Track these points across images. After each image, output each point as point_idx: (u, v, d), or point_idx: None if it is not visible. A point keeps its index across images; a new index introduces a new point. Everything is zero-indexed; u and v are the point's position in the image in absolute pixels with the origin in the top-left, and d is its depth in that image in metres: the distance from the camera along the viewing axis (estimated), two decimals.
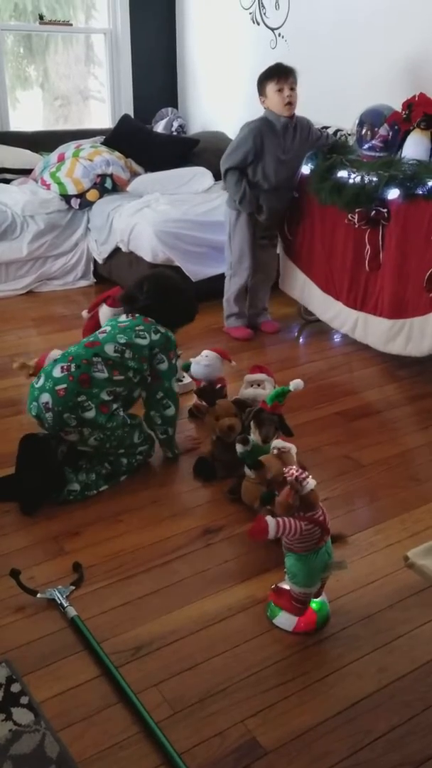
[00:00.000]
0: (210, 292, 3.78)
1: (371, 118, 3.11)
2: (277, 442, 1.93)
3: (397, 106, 3.19)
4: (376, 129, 3.08)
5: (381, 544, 1.99)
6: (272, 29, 4.19)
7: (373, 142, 3.07)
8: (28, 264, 4.11)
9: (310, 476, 1.61)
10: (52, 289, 4.13)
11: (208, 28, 4.74)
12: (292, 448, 1.92)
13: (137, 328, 2.22)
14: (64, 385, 2.09)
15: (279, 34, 4.15)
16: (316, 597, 1.70)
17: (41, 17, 4.68)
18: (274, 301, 3.73)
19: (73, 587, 1.79)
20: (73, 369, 2.11)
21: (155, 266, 3.68)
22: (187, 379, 2.81)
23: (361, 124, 3.13)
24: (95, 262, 4.22)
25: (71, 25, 4.81)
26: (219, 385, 2.55)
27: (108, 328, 2.25)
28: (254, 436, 2.07)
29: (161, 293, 2.30)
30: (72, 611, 1.70)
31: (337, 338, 3.45)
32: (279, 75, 3.16)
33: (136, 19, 4.85)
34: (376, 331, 3.05)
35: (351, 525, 2.06)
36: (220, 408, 2.26)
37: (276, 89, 3.16)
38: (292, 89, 3.17)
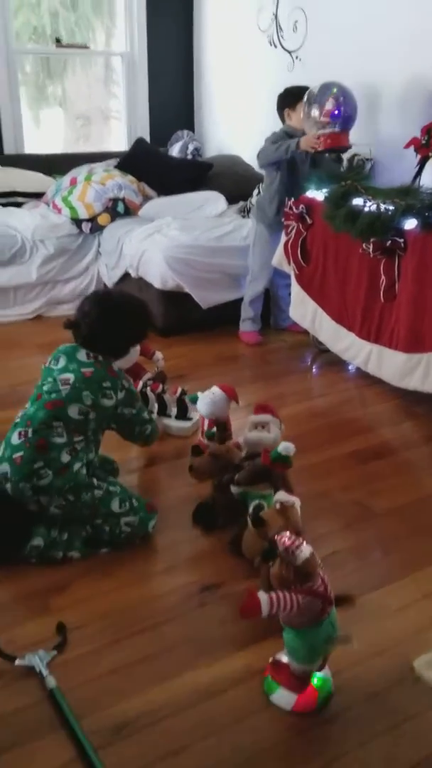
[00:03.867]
0: (221, 318, 3.68)
1: (320, 97, 3.19)
2: (280, 495, 1.78)
3: (416, 132, 3.07)
4: (324, 106, 3.16)
5: (392, 607, 1.83)
6: (289, 52, 4.10)
7: (322, 118, 3.16)
8: (36, 288, 4.04)
9: (304, 543, 1.46)
10: (62, 313, 4.03)
11: (225, 50, 4.67)
12: (296, 501, 1.78)
13: (104, 384, 2.00)
14: (21, 453, 1.94)
15: (296, 57, 4.05)
16: (318, 671, 1.55)
17: (58, 40, 4.65)
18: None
19: (56, 652, 1.66)
20: (30, 434, 1.94)
21: (164, 293, 3.58)
22: (196, 416, 2.67)
23: (309, 103, 3.20)
24: (105, 286, 4.13)
25: (88, 48, 4.77)
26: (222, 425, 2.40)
27: (70, 377, 1.98)
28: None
29: (103, 317, 2.04)
30: (52, 681, 1.56)
31: (351, 368, 3.30)
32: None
33: (153, 42, 4.80)
34: (391, 364, 2.90)
35: (360, 584, 1.90)
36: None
37: None
38: None
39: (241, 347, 3.60)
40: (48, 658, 1.63)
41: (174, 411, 2.70)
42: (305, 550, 1.44)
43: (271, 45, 4.23)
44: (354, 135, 3.76)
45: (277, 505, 1.76)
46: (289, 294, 3.66)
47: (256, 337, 3.63)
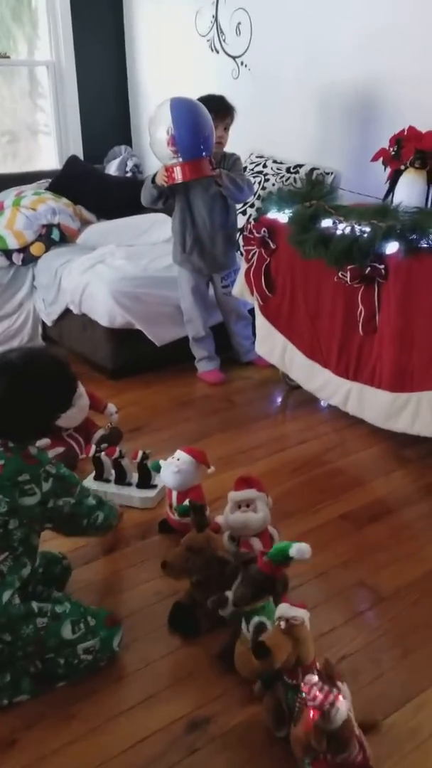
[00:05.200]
0: (178, 356, 3.31)
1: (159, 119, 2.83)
2: (284, 609, 1.42)
3: (381, 141, 2.78)
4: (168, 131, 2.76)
5: (426, 729, 1.49)
6: (233, 57, 3.77)
7: (169, 147, 2.75)
8: None
9: (341, 695, 1.11)
10: None
11: (161, 57, 4.31)
12: (305, 616, 1.42)
13: (20, 479, 1.55)
14: None
15: (241, 63, 3.73)
16: None
17: None
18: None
19: None
20: None
21: (112, 330, 3.18)
22: (161, 484, 2.28)
23: (152, 126, 2.87)
24: (44, 323, 3.70)
25: (8, 57, 4.33)
26: (194, 499, 2.01)
27: None
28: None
29: (6, 393, 1.56)
30: None
31: (323, 404, 2.98)
32: (217, 112, 2.95)
33: (81, 50, 4.39)
34: (374, 405, 2.59)
35: (382, 700, 1.56)
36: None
37: None
38: (226, 129, 3.06)
39: (203, 387, 3.23)
40: None
41: (135, 478, 2.31)
42: (342, 707, 1.08)
43: (212, 50, 3.90)
44: (311, 146, 3.47)
45: (282, 624, 1.40)
46: (245, 326, 3.33)
47: (217, 375, 3.26)
